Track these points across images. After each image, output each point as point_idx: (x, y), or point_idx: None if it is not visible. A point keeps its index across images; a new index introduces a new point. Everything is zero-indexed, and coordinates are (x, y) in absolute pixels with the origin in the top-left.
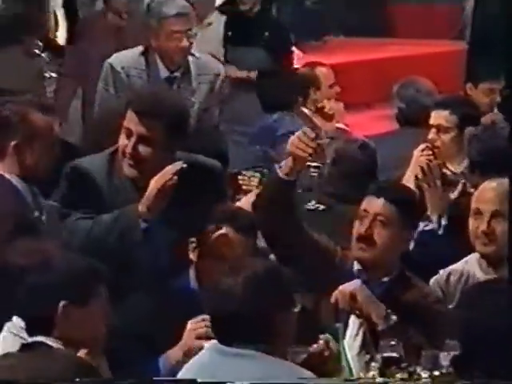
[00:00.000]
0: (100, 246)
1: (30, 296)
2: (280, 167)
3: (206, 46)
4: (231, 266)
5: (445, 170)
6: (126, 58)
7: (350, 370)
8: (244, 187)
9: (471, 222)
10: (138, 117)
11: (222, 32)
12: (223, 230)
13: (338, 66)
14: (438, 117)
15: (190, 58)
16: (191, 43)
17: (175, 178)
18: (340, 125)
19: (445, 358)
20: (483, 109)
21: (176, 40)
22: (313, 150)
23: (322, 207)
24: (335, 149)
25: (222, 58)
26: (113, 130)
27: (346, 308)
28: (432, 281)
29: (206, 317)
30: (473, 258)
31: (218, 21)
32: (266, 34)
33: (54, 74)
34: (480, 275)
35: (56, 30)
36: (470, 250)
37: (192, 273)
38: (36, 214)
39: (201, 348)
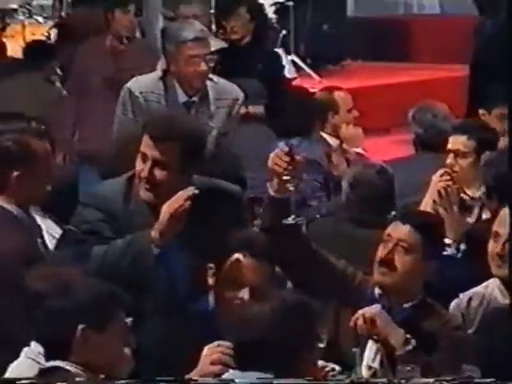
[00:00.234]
0: (114, 271)
1: (49, 321)
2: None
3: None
4: (255, 294)
5: (463, 195)
6: (145, 83)
7: None
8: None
9: (490, 246)
10: (152, 141)
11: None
12: (241, 256)
13: (355, 91)
14: (455, 142)
15: (208, 83)
16: (209, 67)
17: (188, 203)
18: (358, 149)
19: None
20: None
21: (194, 64)
22: (287, 164)
23: (300, 221)
24: (353, 174)
25: None
26: (131, 154)
27: (364, 332)
28: (452, 305)
29: (222, 343)
30: (493, 282)
31: None
32: (260, 65)
33: None
34: (501, 299)
35: None
36: (490, 274)
37: (211, 298)
38: (39, 242)
39: (216, 374)
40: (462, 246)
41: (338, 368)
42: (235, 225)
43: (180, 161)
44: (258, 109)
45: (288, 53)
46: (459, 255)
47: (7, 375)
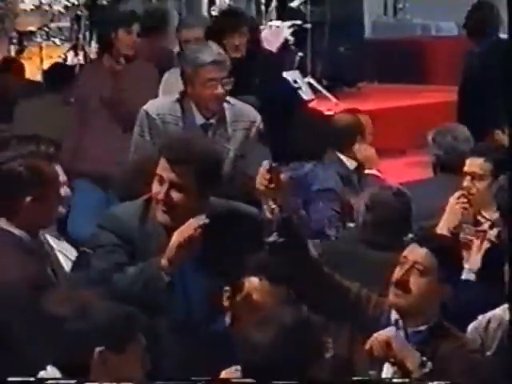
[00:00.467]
0: (126, 296)
1: (66, 344)
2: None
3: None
4: (262, 317)
5: (479, 218)
6: (162, 105)
7: None
8: None
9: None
10: (169, 164)
11: None
12: (256, 279)
13: (372, 113)
14: (472, 164)
15: (226, 105)
16: (226, 90)
17: (198, 232)
18: (373, 171)
19: None
20: None
21: (211, 87)
22: (267, 182)
23: (280, 240)
24: (370, 195)
25: None
26: (148, 176)
27: (380, 355)
28: (470, 327)
29: (239, 367)
30: None
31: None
32: (257, 80)
33: None
34: None
35: None
36: (507, 297)
37: (227, 320)
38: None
39: None
40: (479, 269)
41: None
42: (252, 247)
43: (197, 183)
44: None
45: (305, 75)
46: (476, 278)
47: None
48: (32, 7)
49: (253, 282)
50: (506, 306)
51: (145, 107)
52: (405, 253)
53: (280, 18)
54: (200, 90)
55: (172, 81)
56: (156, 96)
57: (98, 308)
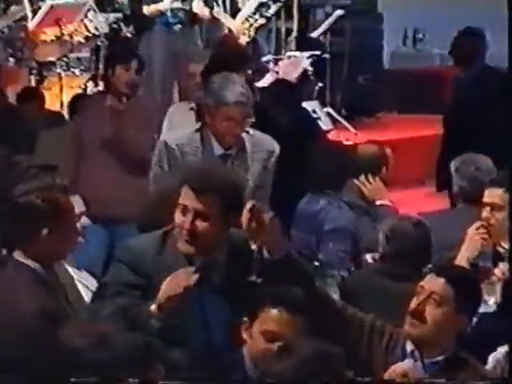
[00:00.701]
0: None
1: (86, 374)
2: None
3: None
4: (282, 349)
5: (499, 248)
6: (181, 136)
7: None
8: None
9: None
10: (194, 193)
11: (194, 121)
12: (275, 311)
13: (390, 143)
14: (492, 195)
15: (245, 136)
16: (245, 129)
17: (187, 285)
18: (385, 201)
19: None
20: None
21: (230, 125)
22: (248, 222)
23: (259, 280)
24: (389, 226)
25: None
26: (167, 206)
27: None
28: (490, 358)
29: None
30: None
31: (183, 108)
32: (251, 119)
33: None
34: None
35: None
36: None
37: (246, 352)
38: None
39: None
40: (498, 300)
41: None
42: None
43: (222, 212)
44: None
45: (324, 105)
46: (495, 309)
47: None
48: (52, 38)
49: (272, 313)
50: None
51: (163, 137)
52: (422, 283)
53: (299, 48)
54: (219, 124)
55: (176, 115)
56: (157, 133)
57: (117, 338)
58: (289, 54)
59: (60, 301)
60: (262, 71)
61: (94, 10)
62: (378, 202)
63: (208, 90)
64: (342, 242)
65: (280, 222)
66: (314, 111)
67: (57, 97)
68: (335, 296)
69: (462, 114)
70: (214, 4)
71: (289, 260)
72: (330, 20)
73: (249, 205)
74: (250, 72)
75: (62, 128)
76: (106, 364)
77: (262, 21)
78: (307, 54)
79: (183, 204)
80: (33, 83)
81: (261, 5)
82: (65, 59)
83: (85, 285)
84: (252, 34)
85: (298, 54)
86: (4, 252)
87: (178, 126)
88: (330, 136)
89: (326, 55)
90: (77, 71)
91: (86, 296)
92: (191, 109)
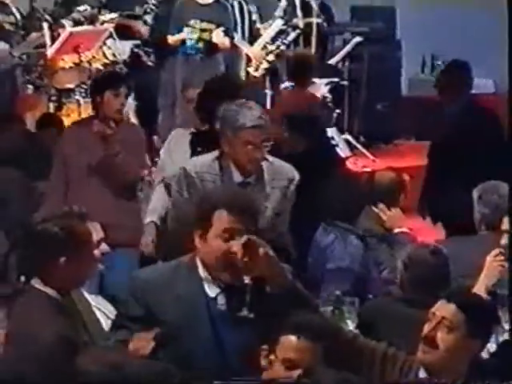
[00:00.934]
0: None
1: None
2: None
3: (175, 159)
4: (302, 377)
5: None
6: (200, 164)
7: None
8: None
9: None
10: (233, 215)
11: (189, 148)
12: (294, 338)
13: (408, 170)
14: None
15: (264, 164)
16: (265, 153)
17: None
18: (403, 229)
19: None
20: None
21: (250, 150)
22: (241, 256)
23: (251, 315)
24: (407, 254)
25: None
26: (186, 234)
27: None
28: None
29: None
30: None
31: (181, 134)
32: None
33: None
34: None
35: None
36: None
37: (264, 379)
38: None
39: None
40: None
41: None
42: (290, 306)
43: (253, 233)
44: None
45: (341, 132)
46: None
47: None
48: (71, 65)
49: (291, 340)
50: None
51: (183, 165)
52: (433, 309)
53: (318, 74)
54: (239, 151)
55: (174, 141)
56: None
57: (134, 364)
58: None
59: (77, 328)
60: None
61: (113, 37)
62: (396, 230)
63: (224, 118)
64: (343, 282)
65: (297, 249)
66: (332, 138)
67: None
68: (352, 323)
69: (449, 145)
70: (234, 32)
71: (291, 293)
72: (348, 47)
73: (244, 238)
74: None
75: None
76: None
77: (280, 48)
78: (325, 80)
79: (229, 228)
80: (51, 110)
81: (280, 32)
82: (83, 86)
83: (102, 311)
84: (272, 59)
85: (316, 80)
86: (22, 279)
87: (175, 152)
88: (348, 163)
89: (344, 82)
90: None
91: (104, 322)
92: (190, 133)
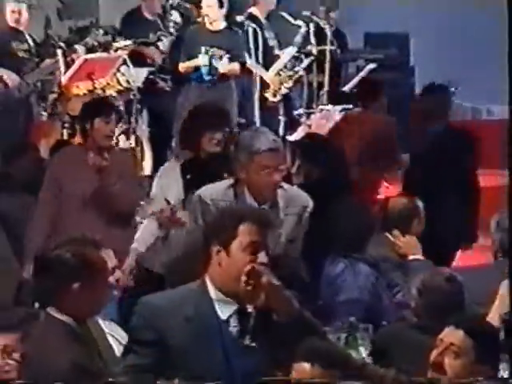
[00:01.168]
0: None
1: None
2: None
3: (167, 192)
4: None
5: None
6: (215, 191)
7: None
8: None
9: None
10: (259, 229)
11: (180, 177)
12: (308, 366)
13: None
14: None
15: (279, 191)
16: (281, 178)
17: None
18: (418, 256)
19: None
20: None
21: (266, 175)
22: (245, 284)
23: (253, 344)
24: (422, 280)
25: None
26: (200, 261)
27: None
28: None
29: None
30: None
31: (172, 166)
32: (225, 175)
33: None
34: None
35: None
36: None
37: None
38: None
39: None
40: None
41: None
42: (297, 334)
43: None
44: None
45: None
46: None
47: None
48: (85, 91)
49: (304, 367)
50: None
51: (198, 192)
52: (441, 335)
53: (331, 101)
54: (255, 177)
55: (165, 172)
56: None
57: None
58: (321, 107)
59: (92, 356)
60: (294, 125)
61: (127, 64)
62: (411, 257)
63: (238, 145)
64: (353, 314)
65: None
66: None
67: None
68: (365, 350)
69: (423, 169)
70: (247, 56)
71: (298, 321)
72: (362, 74)
73: (248, 267)
74: (228, 130)
75: None
76: None
77: (294, 74)
78: (339, 107)
79: (253, 241)
80: (65, 137)
81: (293, 58)
82: None
83: (115, 338)
84: (289, 85)
85: (329, 107)
86: (36, 305)
87: (166, 184)
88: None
89: (358, 109)
90: None
91: (117, 348)
92: (181, 164)
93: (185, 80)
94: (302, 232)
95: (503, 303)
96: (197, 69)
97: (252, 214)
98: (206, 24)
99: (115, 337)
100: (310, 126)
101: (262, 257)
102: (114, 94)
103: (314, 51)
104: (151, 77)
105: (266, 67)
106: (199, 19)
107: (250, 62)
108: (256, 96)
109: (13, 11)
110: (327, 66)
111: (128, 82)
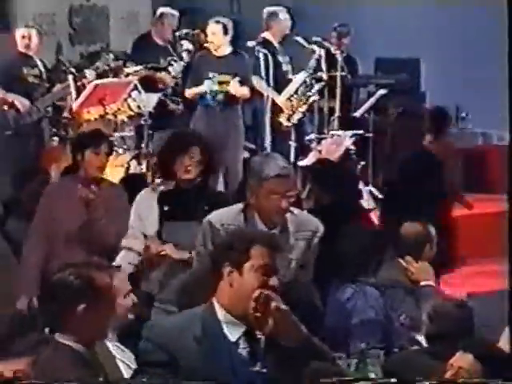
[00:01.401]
0: None
1: None
2: None
3: (142, 223)
4: None
5: None
6: (226, 216)
7: None
8: None
9: None
10: (271, 251)
11: (156, 207)
12: None
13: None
14: None
15: (289, 216)
16: (290, 203)
17: None
18: (429, 282)
19: None
20: None
21: (275, 200)
22: (253, 310)
23: (264, 370)
24: (432, 306)
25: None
26: (209, 286)
27: None
28: None
29: None
30: None
31: (150, 197)
32: (206, 207)
33: None
34: None
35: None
36: None
37: None
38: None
39: None
40: None
41: None
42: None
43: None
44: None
45: (366, 184)
46: None
47: None
48: (96, 117)
49: None
50: None
51: (208, 217)
52: (451, 360)
53: (342, 127)
54: (263, 202)
55: (141, 201)
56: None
57: None
58: (332, 133)
59: (99, 380)
60: (305, 150)
61: (138, 89)
62: (422, 283)
63: (249, 170)
64: (371, 335)
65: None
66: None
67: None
68: (375, 376)
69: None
70: (258, 78)
71: (306, 347)
72: (373, 99)
73: (256, 293)
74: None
75: None
76: None
77: (307, 99)
78: (350, 133)
79: (265, 264)
80: None
81: (304, 84)
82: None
83: (125, 362)
84: (303, 110)
85: (340, 133)
86: (46, 331)
87: (143, 214)
88: (373, 215)
89: (369, 134)
90: (120, 150)
91: (125, 372)
92: (159, 193)
93: (195, 104)
94: (313, 257)
95: None
96: (204, 95)
97: (262, 237)
98: (211, 50)
99: (126, 363)
100: (320, 152)
101: (273, 280)
102: (126, 120)
103: (324, 77)
104: (162, 98)
105: (279, 92)
106: (207, 44)
107: (261, 85)
108: (267, 120)
109: (23, 36)
110: (338, 91)
111: (139, 107)
